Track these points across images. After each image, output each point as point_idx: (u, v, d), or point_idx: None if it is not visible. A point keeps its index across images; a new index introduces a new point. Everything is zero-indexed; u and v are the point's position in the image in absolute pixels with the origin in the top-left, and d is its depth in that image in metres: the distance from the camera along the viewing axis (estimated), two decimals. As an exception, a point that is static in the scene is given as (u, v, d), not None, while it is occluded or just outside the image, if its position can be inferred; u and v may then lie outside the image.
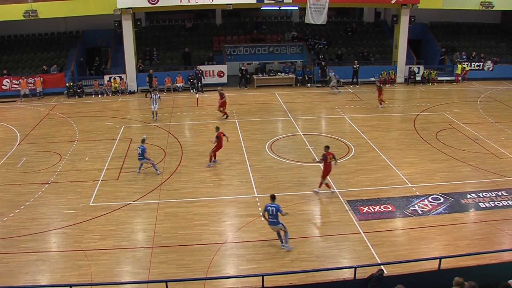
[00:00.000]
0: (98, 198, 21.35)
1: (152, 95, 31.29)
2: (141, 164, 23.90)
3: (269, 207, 17.35)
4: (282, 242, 17.76)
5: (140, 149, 23.37)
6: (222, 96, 31.86)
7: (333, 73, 39.21)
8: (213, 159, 24.94)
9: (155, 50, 41.79)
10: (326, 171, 21.66)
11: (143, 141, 23.72)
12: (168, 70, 39.69)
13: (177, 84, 38.60)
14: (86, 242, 17.98)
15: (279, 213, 17.27)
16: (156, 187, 22.30)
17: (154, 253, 17.36)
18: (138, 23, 39.05)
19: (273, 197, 17.76)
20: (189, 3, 36.53)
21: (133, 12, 37.19)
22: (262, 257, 17.29)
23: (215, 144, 24.56)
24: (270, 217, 17.38)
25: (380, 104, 34.92)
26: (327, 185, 21.78)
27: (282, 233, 17.73)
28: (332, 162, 21.61)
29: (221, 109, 32.13)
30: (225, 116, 32.07)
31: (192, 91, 38.39)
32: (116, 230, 18.79)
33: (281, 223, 17.45)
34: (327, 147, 21.89)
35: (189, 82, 38.96)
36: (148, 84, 37.57)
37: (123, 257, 17.18)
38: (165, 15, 44.33)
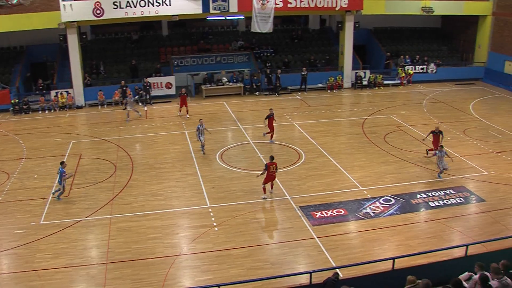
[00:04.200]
0: (48, 216, 20.95)
1: (128, 99, 31.93)
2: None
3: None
4: None
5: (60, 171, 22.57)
6: (183, 95, 33.49)
7: (131, 98, 36.06)
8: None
9: (101, 64, 41.39)
10: (267, 179, 22.13)
11: (62, 163, 22.96)
12: (115, 83, 39.28)
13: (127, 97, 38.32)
14: (38, 261, 17.66)
15: None
16: (107, 202, 22.08)
17: (109, 269, 17.20)
18: (84, 36, 38.62)
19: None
20: (134, 15, 36.37)
21: (78, 26, 36.72)
22: (217, 267, 17.34)
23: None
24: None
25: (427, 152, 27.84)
26: (264, 189, 22.30)
27: None
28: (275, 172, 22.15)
29: (183, 109, 33.77)
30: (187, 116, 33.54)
31: (140, 103, 38.13)
32: (68, 247, 18.52)
33: None
34: (271, 157, 22.26)
35: (136, 96, 38.66)
36: (121, 96, 37.46)
37: (77, 275, 16.97)
38: (111, 28, 43.88)
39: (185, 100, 34.38)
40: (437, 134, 26.51)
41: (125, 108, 34.22)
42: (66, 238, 19.24)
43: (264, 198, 22.13)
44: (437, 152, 24.57)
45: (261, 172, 22.14)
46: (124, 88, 37.81)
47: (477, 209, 21.70)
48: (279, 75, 41.30)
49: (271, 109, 30.10)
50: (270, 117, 29.16)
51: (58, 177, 22.65)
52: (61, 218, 20.81)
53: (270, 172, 21.78)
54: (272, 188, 22.60)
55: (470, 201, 22.38)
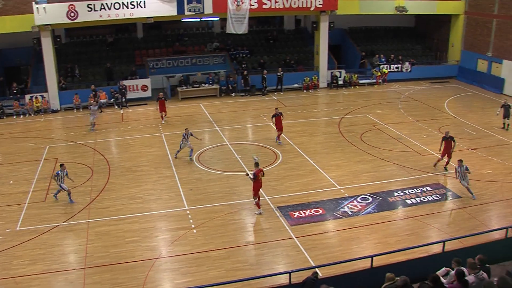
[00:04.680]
0: (25, 222, 20.72)
1: (91, 106, 30.83)
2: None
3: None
4: None
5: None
6: (161, 99, 33.03)
7: (95, 106, 34.05)
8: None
9: (76, 67, 41.05)
10: (257, 187, 21.13)
11: (61, 166, 22.58)
12: (90, 86, 38.91)
13: (101, 100, 37.99)
14: (15, 268, 17.48)
15: None
16: (85, 207, 21.93)
17: (87, 274, 17.09)
18: (58, 39, 38.17)
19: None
20: (109, 18, 36.15)
21: (52, 29, 36.33)
22: (196, 269, 17.34)
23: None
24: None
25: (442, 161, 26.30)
26: (258, 204, 21.32)
27: None
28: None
29: (162, 113, 33.30)
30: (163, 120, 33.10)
31: (116, 106, 37.92)
32: (45, 253, 18.35)
33: None
34: (257, 164, 21.56)
35: (112, 99, 38.45)
36: (94, 100, 36.92)
37: (55, 281, 16.84)
38: (85, 31, 43.47)
39: (163, 105, 33.78)
40: (448, 140, 25.17)
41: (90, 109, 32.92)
42: (43, 244, 19.04)
43: (259, 213, 21.24)
44: (456, 167, 22.70)
45: (252, 178, 20.91)
46: (95, 92, 37.47)
47: (453, 205, 22.00)
48: (265, 76, 41.39)
49: (276, 108, 30.31)
50: (276, 116, 29.36)
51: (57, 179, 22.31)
52: (38, 223, 20.58)
53: (259, 179, 20.97)
54: (258, 206, 21.41)
55: (446, 198, 22.68)
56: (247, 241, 19.42)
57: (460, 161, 22.45)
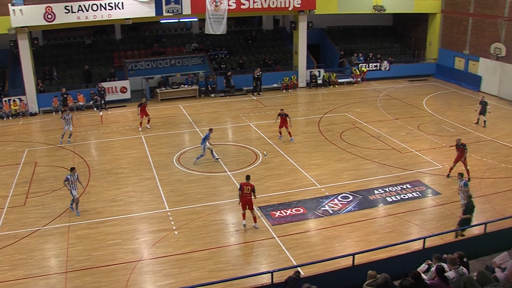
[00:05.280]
0: (4, 227, 20.49)
1: (65, 115, 30.14)
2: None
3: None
4: None
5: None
6: (143, 105, 32.31)
7: (69, 115, 30.99)
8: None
9: (54, 69, 40.71)
10: (241, 202, 20.00)
11: (72, 169, 21.87)
12: (69, 89, 38.60)
13: (79, 103, 37.76)
14: (-5, 274, 17.29)
15: None
16: (65, 210, 21.74)
17: (69, 278, 16.97)
18: (35, 42, 37.85)
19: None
20: (87, 20, 35.80)
21: (29, 31, 35.98)
22: (179, 271, 17.30)
23: None
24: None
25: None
26: (247, 217, 20.20)
27: None
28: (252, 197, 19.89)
29: (144, 120, 32.57)
30: (142, 126, 32.57)
31: (95, 109, 37.67)
32: (26, 258, 18.17)
33: None
34: (247, 177, 20.39)
35: (91, 101, 38.16)
36: (62, 103, 36.67)
37: (36, 286, 16.68)
38: (63, 33, 43.03)
39: (145, 110, 32.35)
40: (460, 148, 24.19)
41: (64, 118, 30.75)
42: (23, 248, 18.86)
43: (244, 226, 20.22)
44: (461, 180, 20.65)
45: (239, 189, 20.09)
46: (65, 96, 37.10)
47: (433, 202, 22.22)
48: (257, 75, 41.50)
49: (282, 109, 30.45)
50: (282, 116, 29.82)
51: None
52: (17, 228, 20.37)
53: (244, 193, 19.73)
54: (255, 221, 20.16)
55: (426, 195, 22.88)
56: (228, 241, 19.38)
57: (461, 174, 20.72)
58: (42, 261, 18.09)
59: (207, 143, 26.56)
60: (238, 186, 20.31)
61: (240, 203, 19.89)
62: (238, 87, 41.98)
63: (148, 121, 32.88)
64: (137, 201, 22.73)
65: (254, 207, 20.09)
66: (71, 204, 21.61)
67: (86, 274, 17.19)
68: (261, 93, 41.77)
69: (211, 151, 26.99)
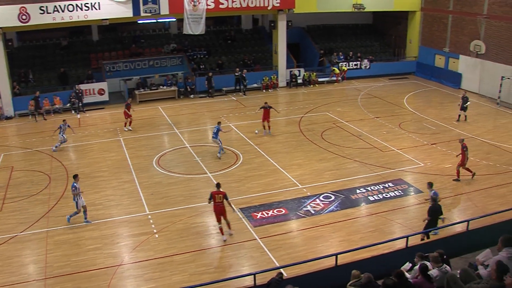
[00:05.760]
0: (-20, 234, 20.05)
1: (61, 124, 29.36)
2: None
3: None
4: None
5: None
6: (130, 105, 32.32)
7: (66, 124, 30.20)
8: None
9: (30, 72, 40.08)
10: (215, 212, 19.33)
11: (75, 177, 21.20)
12: (45, 91, 38.01)
13: (56, 106, 37.19)
14: (-28, 282, 16.91)
15: None
16: (43, 215, 21.34)
17: (48, 285, 16.67)
18: (10, 43, 37.15)
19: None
20: (63, 20, 35.21)
21: (3, 32, 35.35)
22: (160, 275, 17.12)
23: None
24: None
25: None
26: (221, 230, 19.43)
27: None
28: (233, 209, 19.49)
29: (127, 120, 32.43)
30: (127, 126, 32.45)
31: (72, 111, 37.14)
32: (2, 266, 17.78)
33: None
34: (217, 185, 19.68)
35: (68, 104, 37.60)
36: (35, 108, 35.95)
37: (14, 293, 16.31)
38: (38, 34, 42.41)
39: (128, 111, 32.33)
40: (463, 150, 23.84)
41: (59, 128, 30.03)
42: (0, 255, 18.45)
43: (224, 240, 19.40)
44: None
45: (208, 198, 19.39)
46: (37, 99, 36.27)
47: (415, 200, 22.23)
48: (244, 75, 41.40)
49: (266, 102, 30.95)
50: (264, 108, 30.57)
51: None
52: (-6, 234, 19.95)
53: (216, 202, 19.04)
54: (229, 227, 19.56)
55: (408, 193, 22.90)
56: (210, 244, 19.18)
57: (430, 184, 19.74)
58: (20, 268, 17.71)
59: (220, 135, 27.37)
60: (208, 196, 19.26)
61: (214, 213, 19.18)
62: (218, 88, 41.69)
63: (125, 124, 32.71)
64: (116, 204, 22.41)
65: (235, 208, 19.84)
66: (71, 216, 20.84)
67: (66, 280, 16.89)
68: (246, 93, 41.70)
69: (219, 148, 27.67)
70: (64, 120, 29.82)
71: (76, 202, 20.64)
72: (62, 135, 29.18)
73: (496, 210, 19.60)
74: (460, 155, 24.01)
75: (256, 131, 29.79)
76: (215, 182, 20.33)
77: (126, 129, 32.38)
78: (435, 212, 18.10)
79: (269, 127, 30.92)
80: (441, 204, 18.45)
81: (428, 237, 17.76)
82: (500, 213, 17.80)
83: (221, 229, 19.31)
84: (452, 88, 42.43)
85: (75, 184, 20.60)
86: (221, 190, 19.22)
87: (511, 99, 36.76)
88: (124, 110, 32.35)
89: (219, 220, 19.23)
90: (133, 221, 20.83)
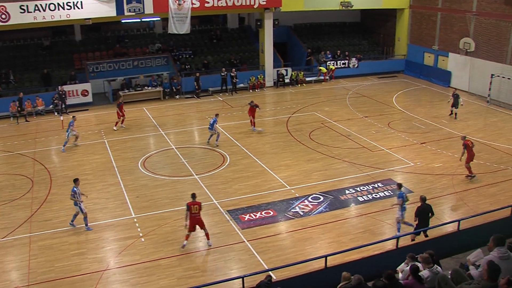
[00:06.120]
0: (-40, 241, 19.58)
1: (71, 121, 29.31)
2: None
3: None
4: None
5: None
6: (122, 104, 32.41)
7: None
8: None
9: (11, 72, 39.44)
10: (190, 222, 18.68)
11: (75, 181, 20.70)
12: (28, 93, 37.32)
13: (38, 108, 36.57)
14: (-48, 291, 16.47)
15: None
16: (25, 220, 20.88)
17: (31, 291, 16.24)
18: (-11, 43, 36.71)
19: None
20: (44, 20, 34.57)
21: (-17, 32, 34.88)
22: (147, 279, 16.84)
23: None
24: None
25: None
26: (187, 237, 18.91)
27: None
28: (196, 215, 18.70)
29: (120, 119, 32.45)
30: (117, 125, 32.44)
31: (55, 113, 36.57)
32: (-16, 272, 17.36)
33: None
34: (193, 196, 18.94)
35: (51, 105, 37.00)
36: (18, 109, 35.26)
37: (-5, 301, 15.94)
38: (19, 34, 41.70)
39: (121, 110, 32.44)
40: (470, 147, 23.66)
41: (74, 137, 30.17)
42: (-19, 262, 18.04)
43: (182, 246, 18.82)
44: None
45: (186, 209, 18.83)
46: (20, 101, 35.56)
47: (405, 200, 21.93)
48: (233, 74, 41.22)
49: (252, 101, 31.80)
50: (251, 106, 31.30)
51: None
52: (-25, 241, 19.49)
53: (192, 213, 18.53)
54: (208, 238, 18.96)
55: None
56: (197, 247, 18.90)
57: (399, 185, 19.78)
58: (2, 275, 17.30)
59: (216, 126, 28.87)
60: (185, 207, 18.68)
61: (188, 224, 18.55)
62: (204, 88, 41.29)
63: (116, 123, 32.55)
64: (101, 208, 22.01)
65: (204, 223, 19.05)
66: (73, 221, 20.40)
67: (50, 286, 16.56)
68: (234, 93, 41.58)
69: (211, 136, 29.10)
70: (73, 117, 30.00)
71: (79, 206, 20.14)
72: (69, 132, 29.19)
73: (487, 209, 19.57)
74: (466, 154, 23.70)
75: (260, 129, 30.65)
76: (208, 184, 20.13)
77: (116, 128, 32.21)
78: (422, 213, 17.96)
79: (253, 123, 31.46)
80: (431, 204, 18.34)
81: (426, 236, 17.80)
82: (491, 213, 17.77)
83: (188, 236, 18.71)
84: (441, 86, 42.54)
85: (74, 188, 20.15)
86: (196, 200, 18.77)
87: (501, 97, 36.79)
88: (116, 111, 32.29)
89: (191, 230, 18.69)
90: (119, 224, 20.48)
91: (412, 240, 17.40)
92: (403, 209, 18.92)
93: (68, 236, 19.65)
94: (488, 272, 10.24)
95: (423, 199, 18.19)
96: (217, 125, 29.20)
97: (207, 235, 18.93)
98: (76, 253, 18.46)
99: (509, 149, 27.91)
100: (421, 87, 42.69)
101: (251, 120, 31.51)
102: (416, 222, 18.12)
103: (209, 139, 29.27)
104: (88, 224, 20.23)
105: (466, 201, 21.65)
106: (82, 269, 17.42)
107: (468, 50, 40.03)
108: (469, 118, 33.34)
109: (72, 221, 20.33)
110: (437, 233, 17.48)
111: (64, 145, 29.02)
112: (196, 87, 40.31)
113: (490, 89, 37.01)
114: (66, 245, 19.02)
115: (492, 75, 36.53)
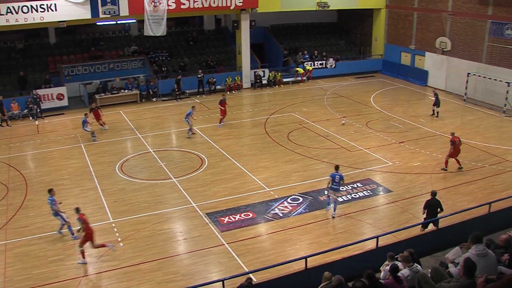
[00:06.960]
0: None
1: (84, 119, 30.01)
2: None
3: (335, 175, 20.39)
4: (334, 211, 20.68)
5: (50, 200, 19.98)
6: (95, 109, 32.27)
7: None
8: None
9: (-16, 77, 38.85)
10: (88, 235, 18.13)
11: (50, 191, 20.20)
12: (3, 97, 36.72)
13: (13, 112, 36.01)
14: None
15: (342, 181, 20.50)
16: (1, 227, 20.52)
17: (7, 300, 15.94)
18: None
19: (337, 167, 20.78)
20: (17, 23, 33.97)
21: (-46, 36, 34.25)
22: (126, 284, 16.69)
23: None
24: (334, 183, 20.35)
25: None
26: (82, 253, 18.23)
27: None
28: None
29: (100, 122, 32.35)
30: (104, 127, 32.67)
31: (30, 118, 36.03)
32: (-42, 283, 17.05)
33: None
34: (77, 210, 18.51)
35: (26, 110, 36.45)
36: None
37: (-30, 312, 15.63)
38: (-9, 37, 41.31)
39: (98, 114, 32.37)
40: (457, 144, 24.58)
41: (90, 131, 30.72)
42: (-45, 271, 17.66)
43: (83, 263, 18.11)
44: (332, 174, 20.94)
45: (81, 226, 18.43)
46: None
47: (385, 200, 22.21)
48: (210, 80, 41.37)
49: (223, 95, 33.46)
50: (222, 102, 32.48)
51: (51, 210, 19.92)
52: None
53: (88, 226, 18.15)
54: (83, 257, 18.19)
55: (377, 193, 22.84)
56: (177, 251, 18.75)
57: (337, 167, 21.18)
58: (-24, 284, 17.00)
59: (191, 118, 30.30)
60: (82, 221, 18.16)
61: (88, 236, 18.03)
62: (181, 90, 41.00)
63: (102, 124, 32.59)
64: (79, 213, 21.65)
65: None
66: (60, 230, 20.08)
67: (27, 294, 16.23)
68: (204, 95, 41.40)
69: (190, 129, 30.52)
70: (85, 114, 30.73)
71: (61, 217, 19.77)
72: (86, 128, 30.21)
73: (465, 207, 19.56)
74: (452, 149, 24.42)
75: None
76: (186, 187, 19.94)
77: (104, 129, 32.56)
78: (431, 206, 18.48)
79: (220, 119, 33.05)
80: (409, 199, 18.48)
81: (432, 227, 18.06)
82: (469, 210, 17.92)
83: (82, 252, 18.04)
84: (419, 85, 42.87)
85: (52, 198, 19.71)
86: (81, 212, 18.38)
87: (477, 96, 37.18)
88: (94, 115, 32.29)
89: (84, 243, 18.03)
90: (97, 229, 19.93)
91: (422, 231, 17.79)
92: (334, 188, 20.62)
93: (45, 242, 19.36)
94: (464, 268, 10.27)
95: (433, 194, 18.67)
96: (193, 119, 30.72)
97: (83, 253, 18.07)
98: (54, 259, 18.20)
99: (486, 147, 28.19)
100: (398, 87, 42.93)
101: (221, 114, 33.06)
102: (425, 215, 18.48)
103: (187, 133, 30.55)
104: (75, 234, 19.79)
105: (444, 199, 21.57)
106: (60, 276, 17.17)
107: (445, 49, 40.41)
108: (446, 117, 33.58)
109: (60, 229, 20.06)
110: (417, 232, 17.61)
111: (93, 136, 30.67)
112: (176, 89, 40.06)
113: (466, 88, 37.31)
114: (43, 251, 18.73)
115: (468, 73, 36.88)
